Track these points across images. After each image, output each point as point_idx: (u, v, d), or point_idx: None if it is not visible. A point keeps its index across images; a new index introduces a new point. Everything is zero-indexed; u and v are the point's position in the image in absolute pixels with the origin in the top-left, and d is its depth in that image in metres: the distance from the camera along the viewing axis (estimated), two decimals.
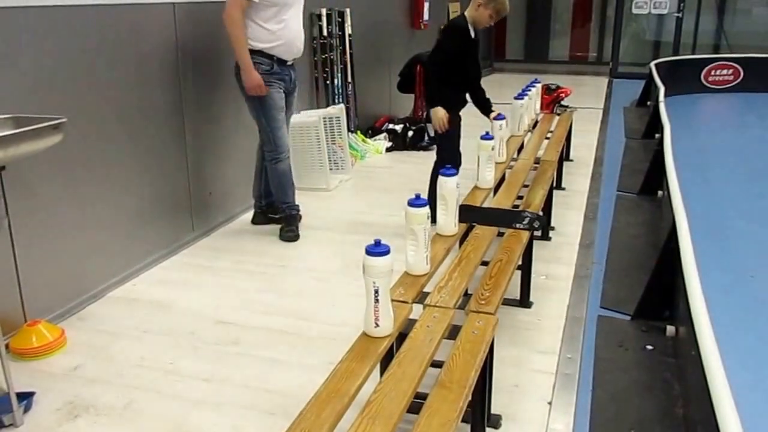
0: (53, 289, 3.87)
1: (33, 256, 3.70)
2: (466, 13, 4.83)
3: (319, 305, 4.09)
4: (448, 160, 4.52)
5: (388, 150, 7.81)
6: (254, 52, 4.66)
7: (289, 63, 4.86)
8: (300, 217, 5.37)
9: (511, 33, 15.30)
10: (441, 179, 3.39)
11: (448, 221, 3.51)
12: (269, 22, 4.64)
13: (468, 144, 5.85)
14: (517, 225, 3.85)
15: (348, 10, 7.18)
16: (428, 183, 5.09)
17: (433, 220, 3.25)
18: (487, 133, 4.39)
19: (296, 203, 5.13)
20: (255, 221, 5.33)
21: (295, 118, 6.26)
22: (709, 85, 12.36)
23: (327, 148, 6.36)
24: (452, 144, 4.98)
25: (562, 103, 7.35)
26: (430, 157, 7.54)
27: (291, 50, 4.81)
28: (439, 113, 4.80)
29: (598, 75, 14.03)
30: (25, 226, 3.64)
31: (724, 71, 12.33)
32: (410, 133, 7.92)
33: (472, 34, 4.83)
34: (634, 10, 13.91)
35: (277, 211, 5.35)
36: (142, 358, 3.54)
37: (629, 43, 14.63)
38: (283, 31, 4.70)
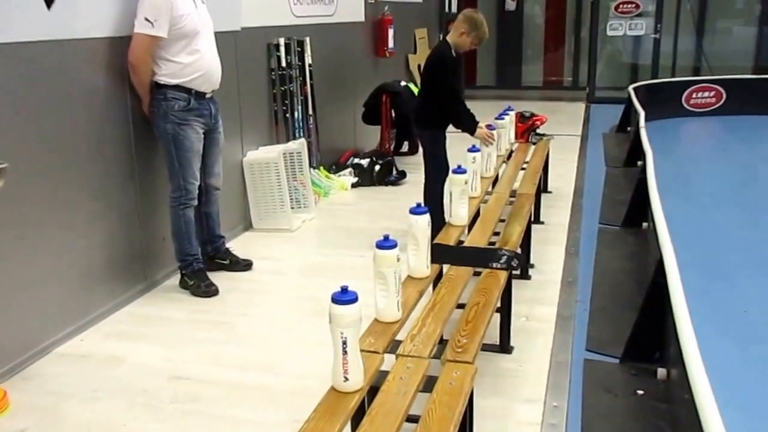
0: None
1: None
2: (448, 39, 5.38)
3: (284, 356, 4.05)
4: (438, 173, 4.98)
5: (354, 186, 7.81)
6: (170, 88, 4.64)
7: (208, 96, 4.84)
8: (249, 265, 5.36)
9: (481, 58, 15.45)
10: (411, 218, 3.39)
11: (420, 262, 3.50)
12: (180, 54, 4.62)
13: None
14: (494, 264, 3.84)
15: (308, 39, 7.21)
16: (422, 198, 5.49)
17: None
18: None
19: (200, 256, 5.04)
20: (206, 268, 5.24)
21: (253, 154, 6.26)
22: (691, 109, 12.55)
23: (288, 186, 6.34)
24: (442, 161, 5.45)
25: (538, 131, 7.40)
26: (399, 193, 7.62)
27: (209, 81, 4.80)
28: (483, 129, 5.52)
29: (574, 100, 14.18)
30: None
31: (706, 93, 12.54)
32: (377, 168, 7.93)
33: (454, 55, 5.39)
34: (609, 32, 14.12)
35: (225, 256, 5.33)
36: (93, 420, 3.46)
37: (606, 66, 14.83)
38: (199, 62, 4.69)
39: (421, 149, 5.72)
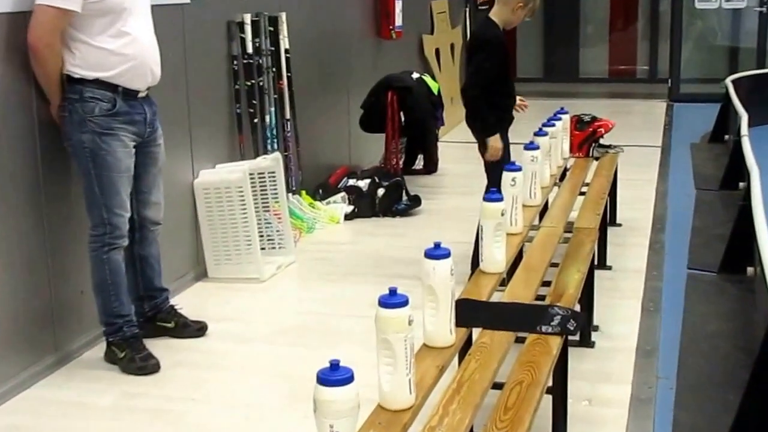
0: None
1: None
2: (494, 17, 5.92)
3: None
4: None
5: (349, 217, 7.81)
6: (88, 83, 4.63)
7: (141, 95, 4.84)
8: (203, 328, 5.34)
9: (523, 42, 15.51)
10: (428, 263, 3.35)
11: (441, 326, 3.46)
12: (102, 37, 4.61)
13: (467, 204, 5.88)
14: (544, 327, 3.81)
15: (283, 16, 7.23)
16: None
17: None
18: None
19: (133, 318, 5.01)
20: (141, 334, 5.19)
21: (208, 175, 6.25)
22: None
23: (257, 219, 6.33)
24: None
25: (602, 141, 7.39)
26: (411, 227, 7.60)
27: (143, 75, 4.79)
28: (498, 143, 5.87)
29: (651, 98, 14.20)
30: None
31: None
32: (381, 192, 7.93)
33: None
34: (699, 5, 14.14)
35: (169, 317, 5.30)
36: None
37: (694, 51, 14.85)
38: (129, 47, 4.68)
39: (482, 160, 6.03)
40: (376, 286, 3.09)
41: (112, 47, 4.64)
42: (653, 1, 15.51)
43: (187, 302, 5.64)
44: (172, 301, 5.45)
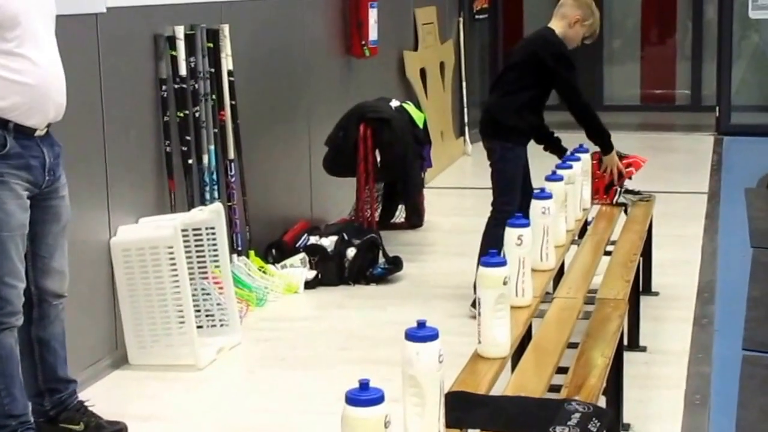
0: None
1: None
2: (555, 29, 6.79)
3: None
4: (504, 207, 5.67)
5: (310, 285, 7.81)
6: None
7: (40, 132, 4.83)
8: (121, 431, 5.26)
9: None
10: (410, 348, 3.32)
11: (427, 427, 3.44)
12: None
13: (461, 268, 5.85)
14: (559, 428, 3.78)
15: (226, 29, 7.25)
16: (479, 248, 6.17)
17: None
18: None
19: (30, 418, 4.96)
20: None
21: (129, 232, 6.24)
22: None
23: (192, 288, 6.30)
24: (512, 190, 6.30)
25: (629, 186, 7.39)
26: (389, 296, 7.57)
27: (42, 109, 4.78)
28: (616, 157, 7.07)
29: (695, 130, 14.29)
30: None
31: None
32: (351, 253, 7.93)
33: None
34: (753, 14, 14.23)
35: (77, 417, 5.23)
36: None
37: (748, 72, 14.94)
38: (25, 73, 4.67)
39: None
40: (344, 376, 3.08)
41: (3, 73, 4.62)
42: (696, 9, 15.62)
43: (101, 397, 5.61)
44: (82, 396, 5.41)
